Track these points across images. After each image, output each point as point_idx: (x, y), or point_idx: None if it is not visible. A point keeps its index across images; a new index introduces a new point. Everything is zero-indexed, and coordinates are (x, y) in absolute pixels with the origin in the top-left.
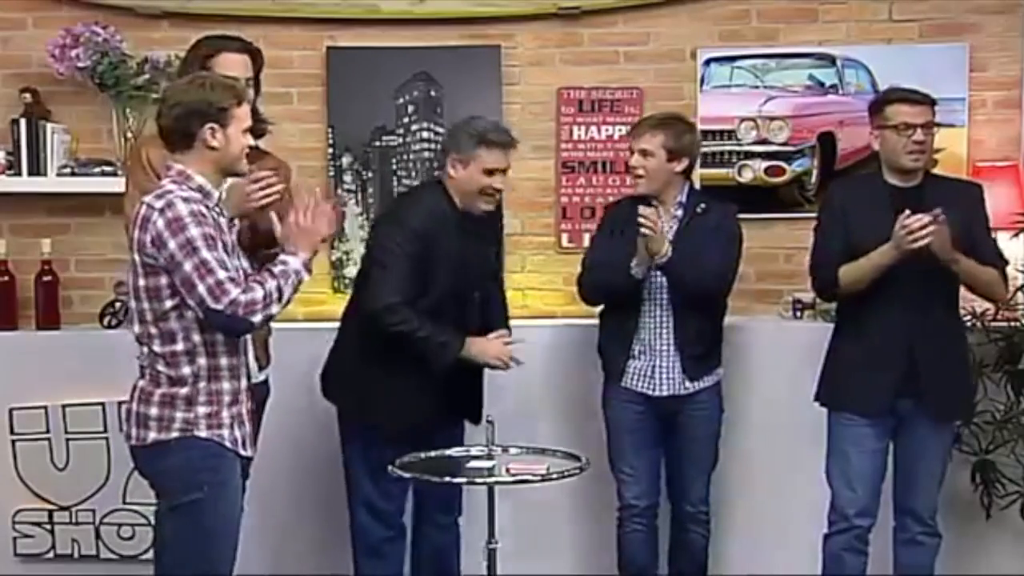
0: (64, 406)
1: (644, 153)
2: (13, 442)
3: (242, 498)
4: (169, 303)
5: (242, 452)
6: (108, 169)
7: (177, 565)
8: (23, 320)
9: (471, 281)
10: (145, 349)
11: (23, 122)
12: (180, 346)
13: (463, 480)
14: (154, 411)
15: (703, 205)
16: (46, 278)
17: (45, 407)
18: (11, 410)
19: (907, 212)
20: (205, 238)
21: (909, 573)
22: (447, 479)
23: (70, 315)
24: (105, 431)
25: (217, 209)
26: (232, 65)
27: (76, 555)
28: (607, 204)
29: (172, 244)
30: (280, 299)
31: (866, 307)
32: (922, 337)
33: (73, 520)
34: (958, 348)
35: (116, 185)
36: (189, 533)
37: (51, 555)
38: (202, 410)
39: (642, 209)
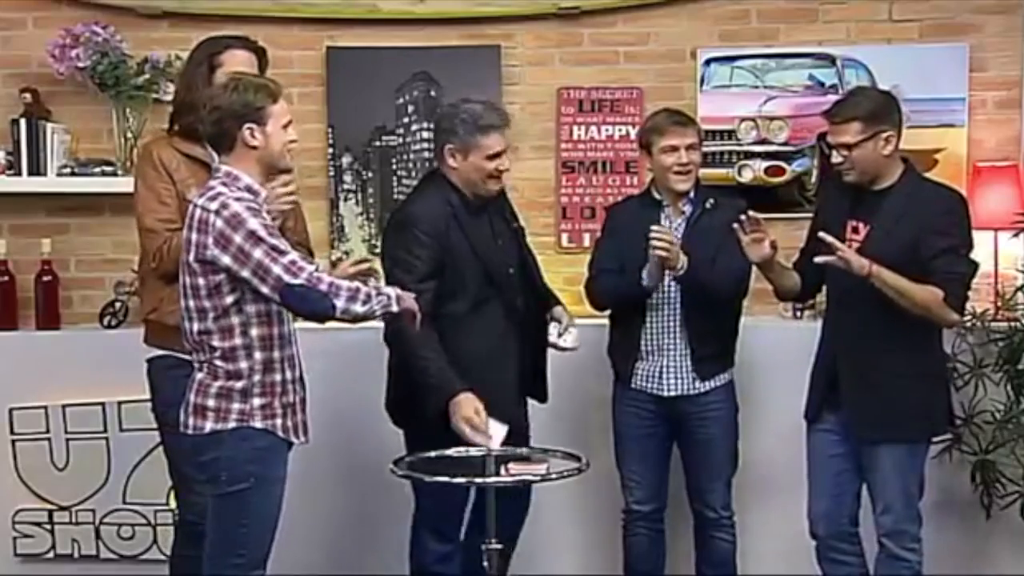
0: (64, 406)
1: (692, 148)
2: (13, 442)
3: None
4: (230, 299)
5: (293, 439)
6: (108, 169)
7: (218, 547)
8: (23, 320)
9: (502, 259)
10: (204, 345)
11: (23, 122)
12: (238, 341)
13: (463, 480)
14: (212, 403)
15: (712, 200)
16: (46, 278)
17: (45, 407)
18: (11, 410)
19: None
20: (265, 227)
21: None
22: (447, 479)
23: (70, 315)
24: (105, 431)
25: (266, 207)
26: (238, 62)
27: (76, 555)
28: (608, 205)
29: (237, 238)
30: (366, 302)
31: (825, 312)
32: (846, 348)
33: (73, 520)
34: (896, 364)
35: (116, 185)
36: (232, 519)
37: (51, 555)
38: (257, 402)
39: (655, 230)
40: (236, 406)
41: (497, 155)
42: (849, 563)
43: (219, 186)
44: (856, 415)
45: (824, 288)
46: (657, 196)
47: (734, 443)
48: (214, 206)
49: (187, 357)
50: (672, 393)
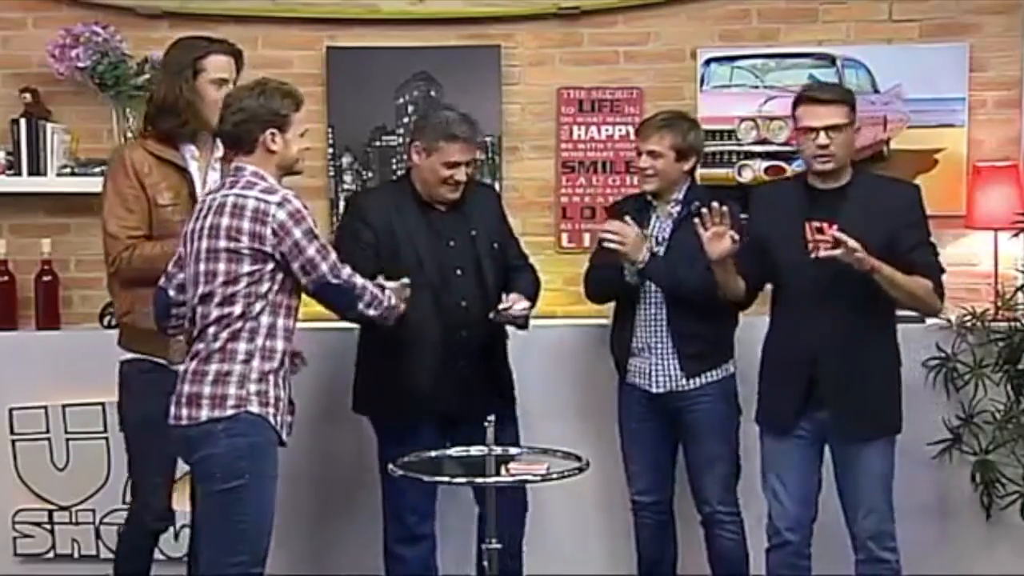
0: (64, 406)
1: (652, 154)
2: (13, 442)
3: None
4: (264, 287)
5: (283, 436)
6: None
7: (217, 546)
8: (23, 320)
9: (448, 260)
10: (206, 331)
11: (23, 122)
12: (249, 324)
13: (463, 480)
14: (207, 390)
15: (697, 203)
16: (46, 278)
17: (45, 407)
18: (11, 410)
19: (815, 224)
20: (316, 225)
21: None
22: (446, 479)
23: (70, 315)
24: (105, 431)
25: None
26: (220, 67)
27: (76, 555)
28: (608, 205)
29: (297, 232)
30: (378, 308)
31: (776, 315)
32: (827, 348)
33: (73, 520)
34: (876, 359)
35: None
36: (229, 517)
37: (51, 555)
38: (253, 387)
39: (607, 224)
40: (233, 391)
41: (455, 164)
42: (808, 568)
43: (259, 180)
44: (842, 415)
45: (774, 293)
46: (649, 197)
47: (729, 441)
48: (275, 199)
49: (161, 361)
50: (660, 390)
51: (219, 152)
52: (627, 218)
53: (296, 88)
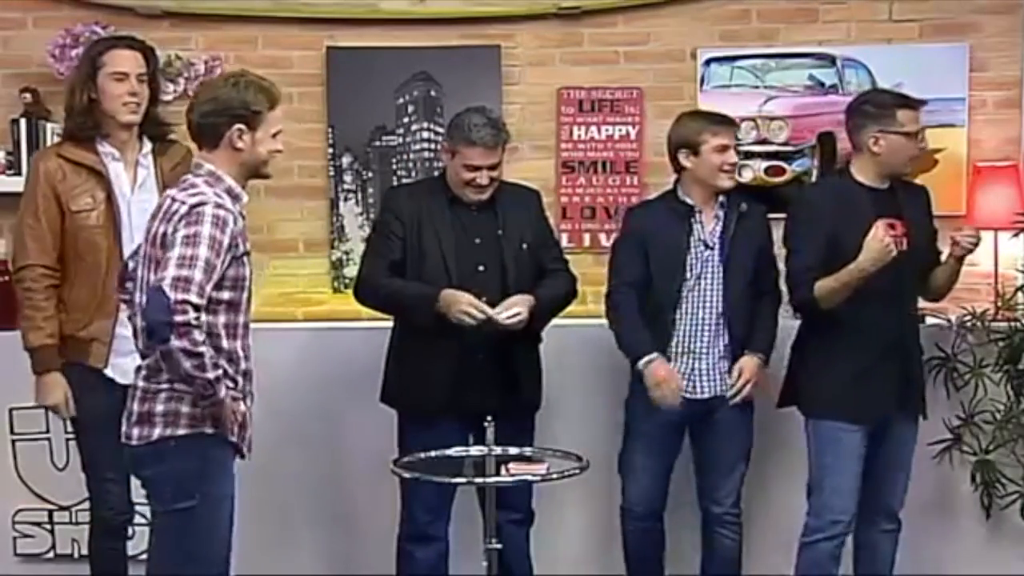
0: None
1: (736, 148)
2: (13, 442)
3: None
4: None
5: (245, 451)
6: None
7: (164, 569)
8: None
9: (472, 256)
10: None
11: (23, 122)
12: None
13: (463, 480)
14: (160, 407)
15: (743, 204)
16: None
17: (45, 407)
18: (11, 410)
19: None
20: (212, 239)
21: (878, 566)
22: (446, 479)
23: None
24: None
25: (243, 213)
26: (121, 61)
27: (76, 555)
28: (630, 206)
29: (182, 232)
30: (199, 370)
31: (855, 308)
32: (911, 337)
33: (73, 520)
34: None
35: None
36: (178, 539)
37: (51, 555)
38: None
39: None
40: (185, 409)
41: (475, 168)
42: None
43: (202, 184)
44: (919, 399)
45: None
46: (689, 201)
47: (748, 441)
48: (192, 200)
49: (98, 365)
50: (706, 395)
51: (147, 147)
52: (697, 229)
53: (275, 86)
